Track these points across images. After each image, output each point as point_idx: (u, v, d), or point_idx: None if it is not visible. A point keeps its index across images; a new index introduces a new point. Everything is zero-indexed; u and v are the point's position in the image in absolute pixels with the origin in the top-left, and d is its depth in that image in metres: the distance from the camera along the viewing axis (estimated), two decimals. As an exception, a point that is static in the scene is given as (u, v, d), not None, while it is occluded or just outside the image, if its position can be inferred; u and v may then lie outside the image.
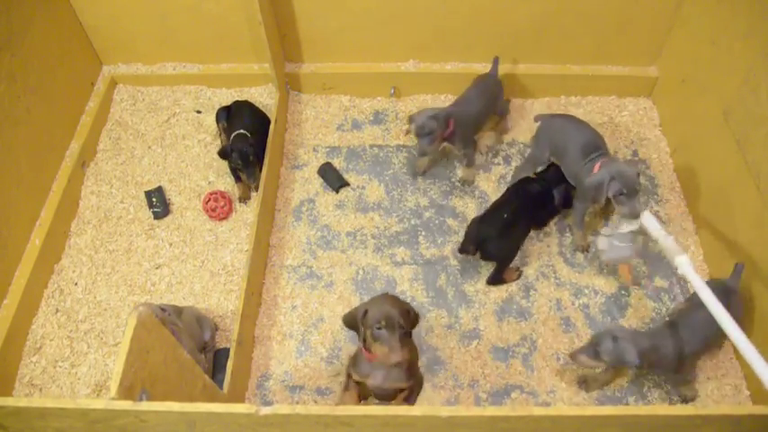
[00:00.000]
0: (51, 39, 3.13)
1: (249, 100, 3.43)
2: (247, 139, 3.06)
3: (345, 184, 3.20)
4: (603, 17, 3.20)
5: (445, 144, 3.05)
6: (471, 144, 3.13)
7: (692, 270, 2.18)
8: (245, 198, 3.16)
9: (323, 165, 3.24)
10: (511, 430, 1.75)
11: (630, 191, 2.50)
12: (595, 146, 2.77)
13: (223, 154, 3.08)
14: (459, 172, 3.24)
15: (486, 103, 3.14)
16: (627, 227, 2.54)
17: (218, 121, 3.31)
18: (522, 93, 3.54)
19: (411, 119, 2.91)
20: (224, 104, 3.38)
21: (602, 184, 2.53)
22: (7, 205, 2.77)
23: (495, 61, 3.21)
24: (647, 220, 2.45)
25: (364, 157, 3.33)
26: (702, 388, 2.58)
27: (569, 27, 3.26)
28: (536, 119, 3.08)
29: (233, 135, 3.09)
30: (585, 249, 2.94)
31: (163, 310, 2.42)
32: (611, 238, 2.60)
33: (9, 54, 2.82)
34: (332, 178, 3.20)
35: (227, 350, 2.59)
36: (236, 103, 3.35)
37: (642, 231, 2.52)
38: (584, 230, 2.94)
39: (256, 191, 3.00)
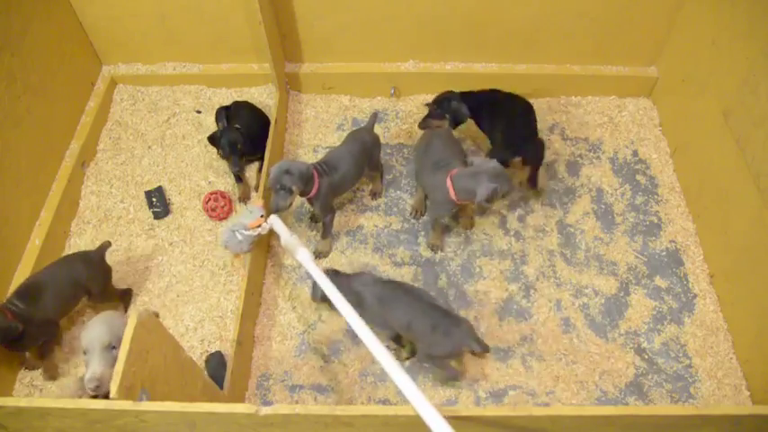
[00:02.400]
0: (51, 39, 3.13)
1: (249, 100, 3.43)
2: (238, 129, 3.06)
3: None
4: (603, 17, 3.21)
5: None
6: (331, 211, 2.89)
7: (311, 262, 2.39)
8: (245, 198, 3.16)
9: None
10: (511, 430, 1.75)
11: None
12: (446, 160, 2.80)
13: (211, 139, 3.07)
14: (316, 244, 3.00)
15: (358, 163, 2.90)
16: (257, 230, 2.66)
17: (217, 121, 3.32)
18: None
19: (269, 171, 2.73)
20: (224, 104, 3.38)
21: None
22: (7, 205, 2.77)
23: (374, 115, 3.08)
24: (273, 221, 2.63)
25: (364, 157, 3.33)
26: (702, 388, 2.59)
27: (569, 27, 3.26)
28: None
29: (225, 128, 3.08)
30: (439, 249, 2.98)
31: None
32: (234, 232, 2.68)
33: (9, 54, 2.82)
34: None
35: (218, 354, 2.60)
36: (236, 103, 3.35)
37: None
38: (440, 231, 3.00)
39: (257, 191, 3.00)
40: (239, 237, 2.66)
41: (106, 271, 2.70)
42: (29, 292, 2.46)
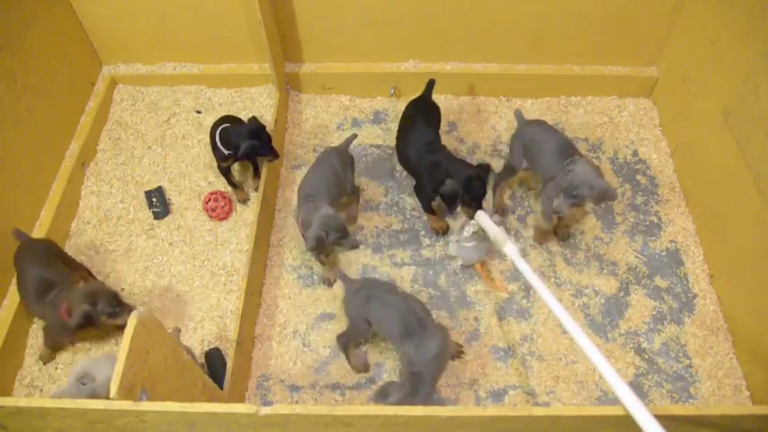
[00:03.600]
0: (51, 39, 3.13)
1: (249, 100, 3.42)
2: (237, 126, 2.95)
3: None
4: (603, 17, 3.21)
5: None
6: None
7: (519, 257, 2.39)
8: (243, 200, 3.15)
9: None
10: (511, 430, 1.75)
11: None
12: (570, 150, 2.75)
13: (235, 150, 2.88)
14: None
15: (329, 184, 2.79)
16: (468, 229, 2.72)
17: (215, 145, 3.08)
18: (522, 93, 3.54)
19: (315, 239, 2.56)
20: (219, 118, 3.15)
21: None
22: (7, 205, 2.77)
23: (352, 137, 3.00)
24: (479, 216, 2.64)
25: (364, 157, 3.33)
26: (702, 388, 2.59)
27: (569, 27, 3.26)
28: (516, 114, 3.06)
29: (218, 131, 2.96)
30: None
31: None
32: (459, 243, 2.80)
33: (9, 54, 2.82)
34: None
35: (217, 350, 2.60)
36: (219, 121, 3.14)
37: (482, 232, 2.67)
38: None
39: (256, 191, 2.99)
40: (466, 244, 2.73)
41: (48, 242, 2.75)
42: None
